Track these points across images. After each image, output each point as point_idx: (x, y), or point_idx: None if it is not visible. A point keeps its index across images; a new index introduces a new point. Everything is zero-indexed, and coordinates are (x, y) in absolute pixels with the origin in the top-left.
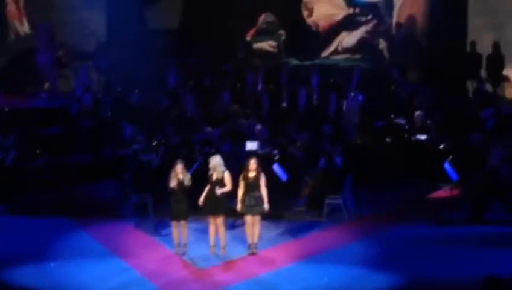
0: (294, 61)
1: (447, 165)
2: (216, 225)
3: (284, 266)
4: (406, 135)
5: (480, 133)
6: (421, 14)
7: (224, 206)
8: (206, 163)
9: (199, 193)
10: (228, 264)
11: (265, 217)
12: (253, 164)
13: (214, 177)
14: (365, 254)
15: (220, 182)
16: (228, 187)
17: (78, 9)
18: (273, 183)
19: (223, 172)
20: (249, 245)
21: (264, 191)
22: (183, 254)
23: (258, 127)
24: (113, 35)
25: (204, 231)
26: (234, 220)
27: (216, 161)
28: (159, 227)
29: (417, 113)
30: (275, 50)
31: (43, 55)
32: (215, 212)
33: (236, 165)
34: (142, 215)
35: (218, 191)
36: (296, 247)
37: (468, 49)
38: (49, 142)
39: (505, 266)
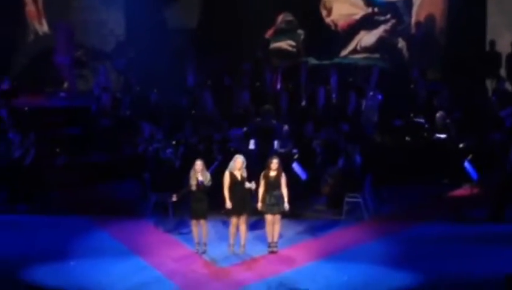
0: (313, 61)
1: (466, 164)
2: (239, 223)
3: (304, 264)
4: (425, 134)
5: (500, 132)
6: (440, 13)
7: (251, 205)
8: (226, 162)
9: (219, 192)
10: (248, 263)
11: (285, 215)
12: (275, 163)
13: (239, 176)
14: (385, 252)
15: (245, 181)
16: (254, 183)
17: (96, 9)
18: (293, 182)
19: (245, 171)
20: (269, 244)
21: (284, 191)
22: (203, 252)
23: (286, 127)
24: (132, 35)
25: (224, 230)
26: (256, 220)
27: (244, 162)
28: (179, 226)
29: (438, 114)
30: (294, 49)
31: (62, 55)
32: (242, 212)
33: (259, 164)
34: (161, 214)
35: (253, 186)
36: (316, 245)
37: (487, 48)
38: (68, 142)
39: None
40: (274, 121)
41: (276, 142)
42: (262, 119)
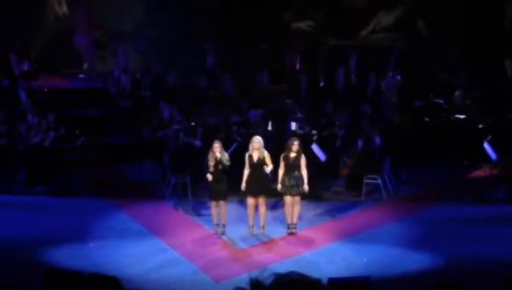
0: (332, 41)
1: (486, 145)
2: (257, 205)
3: (323, 246)
4: (444, 115)
5: None
6: None
7: (269, 187)
8: (245, 143)
9: (238, 173)
10: (267, 244)
11: (304, 197)
12: (296, 145)
13: (256, 157)
14: (404, 233)
15: (263, 162)
16: (271, 166)
17: None
18: (312, 163)
19: (264, 152)
20: (288, 225)
21: (304, 172)
22: (222, 234)
23: (299, 115)
24: (151, 16)
25: (244, 211)
26: (275, 201)
27: (261, 142)
28: (198, 207)
29: (456, 93)
30: (313, 30)
31: (81, 36)
32: (259, 193)
33: (276, 145)
34: (181, 195)
35: (268, 169)
36: (335, 227)
37: (506, 28)
38: (87, 123)
39: None
40: (289, 102)
41: (293, 124)
42: (276, 101)
